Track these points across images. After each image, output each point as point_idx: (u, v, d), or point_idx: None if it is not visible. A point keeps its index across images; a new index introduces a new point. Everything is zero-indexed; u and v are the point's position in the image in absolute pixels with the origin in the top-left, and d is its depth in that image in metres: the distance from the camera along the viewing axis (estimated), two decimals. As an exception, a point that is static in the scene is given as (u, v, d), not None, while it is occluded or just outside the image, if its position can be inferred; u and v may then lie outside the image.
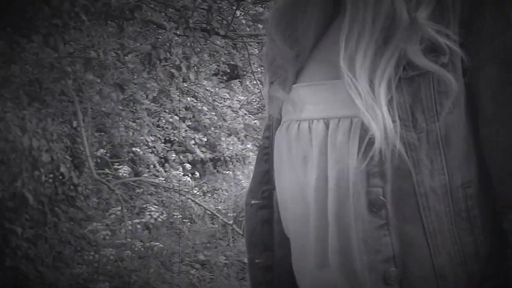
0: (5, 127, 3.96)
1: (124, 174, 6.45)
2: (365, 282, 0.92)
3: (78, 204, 5.52)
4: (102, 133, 6.90)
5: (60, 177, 4.92)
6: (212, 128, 8.48)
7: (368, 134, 0.90)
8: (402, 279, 0.91)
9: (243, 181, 8.28)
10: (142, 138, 7.10)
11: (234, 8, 5.20)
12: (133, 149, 7.06)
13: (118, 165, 6.65)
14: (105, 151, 6.68)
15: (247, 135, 9.10)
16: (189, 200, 6.65)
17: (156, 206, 6.09)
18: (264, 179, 1.14)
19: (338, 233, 0.95)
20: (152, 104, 7.49)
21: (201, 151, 8.40)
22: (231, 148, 8.77)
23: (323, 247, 0.97)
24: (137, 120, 7.07)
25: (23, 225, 4.80)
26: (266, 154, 1.15)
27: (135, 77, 5.71)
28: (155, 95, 7.19)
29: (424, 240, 0.91)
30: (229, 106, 8.74)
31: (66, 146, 5.13)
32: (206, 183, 8.09)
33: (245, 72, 9.02)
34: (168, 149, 7.82)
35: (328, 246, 0.96)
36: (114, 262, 5.37)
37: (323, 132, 0.97)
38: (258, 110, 9.51)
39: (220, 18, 5.08)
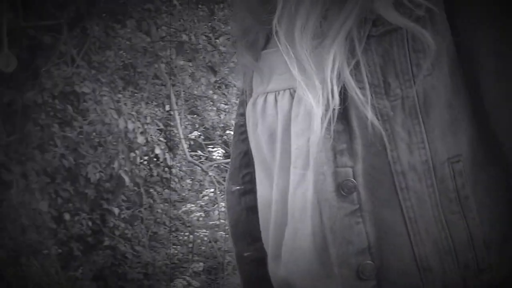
0: (101, 110, 4.09)
1: (218, 157, 6.53)
2: (331, 277, 0.79)
3: (172, 186, 5.65)
4: (195, 116, 7.02)
5: (155, 159, 5.05)
6: (303, 110, 8.46)
7: (332, 105, 0.76)
8: (379, 273, 0.78)
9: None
10: (233, 121, 7.16)
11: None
12: (226, 132, 7.13)
13: (212, 148, 6.74)
14: (199, 133, 6.79)
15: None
16: (281, 182, 6.64)
17: (248, 188, 6.12)
18: (244, 162, 1.00)
19: (294, 221, 0.82)
20: (244, 87, 7.53)
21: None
22: (322, 130, 8.71)
23: (279, 235, 0.86)
24: (228, 103, 7.13)
25: (120, 205, 4.97)
26: (242, 133, 0.99)
27: (226, 60, 5.75)
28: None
29: (403, 226, 0.77)
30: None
31: (159, 129, 5.25)
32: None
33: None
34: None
35: (284, 235, 0.85)
36: (208, 243, 5.47)
37: (288, 105, 0.84)
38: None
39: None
